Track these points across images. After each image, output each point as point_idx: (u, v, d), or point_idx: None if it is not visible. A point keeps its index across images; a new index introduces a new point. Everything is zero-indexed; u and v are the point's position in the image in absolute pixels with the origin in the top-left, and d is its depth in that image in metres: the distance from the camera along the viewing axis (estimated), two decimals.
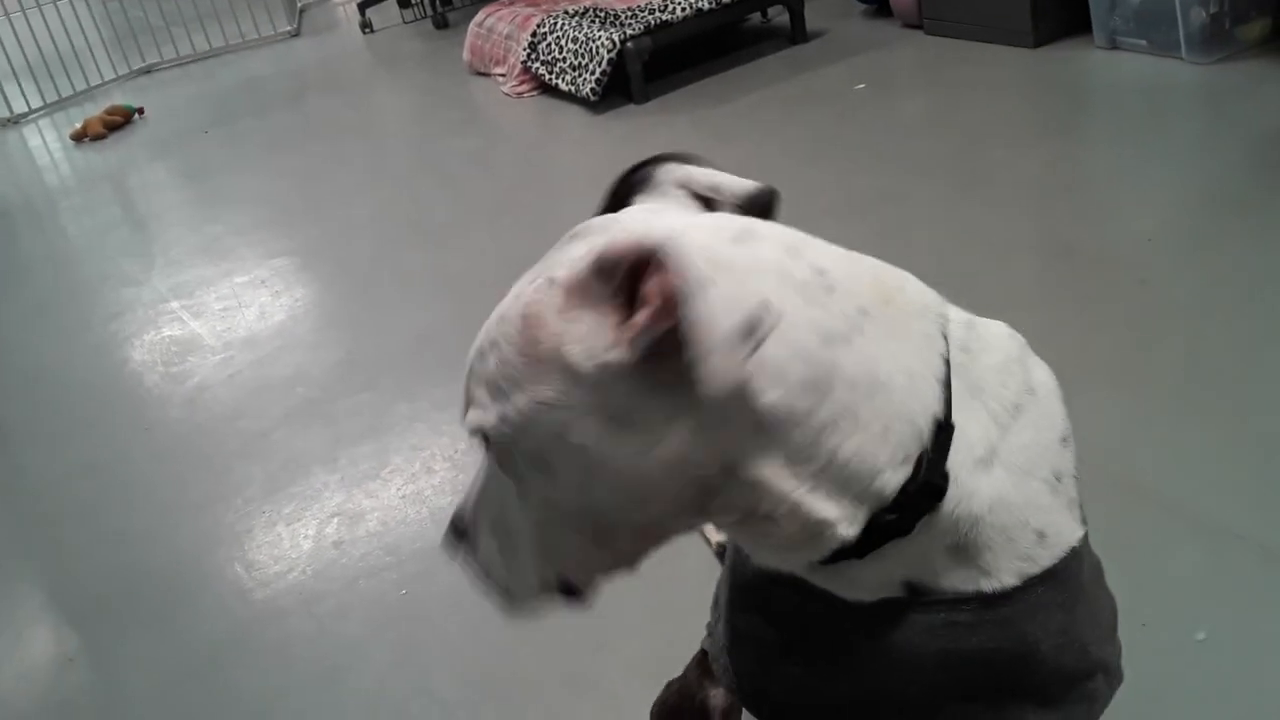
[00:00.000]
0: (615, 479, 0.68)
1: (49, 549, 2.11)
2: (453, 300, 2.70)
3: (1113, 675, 0.83)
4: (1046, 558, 0.76)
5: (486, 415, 0.70)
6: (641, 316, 0.62)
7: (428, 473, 2.04)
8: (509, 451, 0.71)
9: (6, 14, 5.66)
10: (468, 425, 0.72)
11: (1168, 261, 2.17)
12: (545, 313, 0.66)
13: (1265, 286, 2.02)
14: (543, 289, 0.67)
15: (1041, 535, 0.75)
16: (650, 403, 0.64)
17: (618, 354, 0.64)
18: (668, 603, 1.51)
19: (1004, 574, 0.73)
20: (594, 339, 0.65)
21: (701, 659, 1.18)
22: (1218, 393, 1.78)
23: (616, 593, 1.77)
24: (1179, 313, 2.01)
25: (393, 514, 1.95)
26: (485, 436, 0.71)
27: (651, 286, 0.62)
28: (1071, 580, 0.79)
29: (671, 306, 0.60)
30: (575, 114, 3.79)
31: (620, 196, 0.79)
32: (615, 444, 0.66)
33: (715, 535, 1.63)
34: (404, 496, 1.99)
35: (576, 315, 0.65)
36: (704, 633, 1.17)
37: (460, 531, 0.81)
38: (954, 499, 0.69)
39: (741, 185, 0.77)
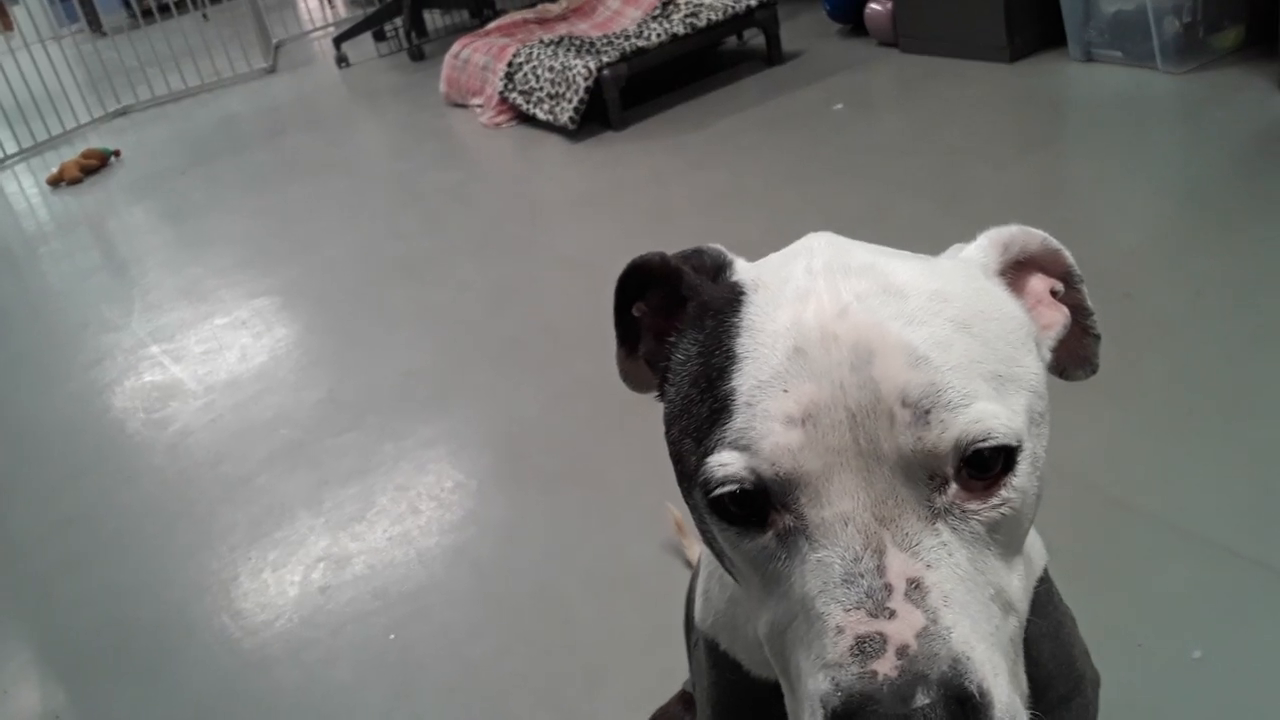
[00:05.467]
0: (1040, 481, 0.61)
1: (34, 603, 2.07)
2: (437, 335, 2.68)
3: (1095, 682, 0.82)
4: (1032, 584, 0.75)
5: (1012, 416, 0.57)
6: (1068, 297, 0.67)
7: (414, 513, 2.01)
8: (994, 484, 0.56)
9: None
10: (999, 436, 0.55)
11: (1150, 273, 2.16)
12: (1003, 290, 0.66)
13: (1249, 294, 2.01)
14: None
15: (1029, 559, 0.73)
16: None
17: (1055, 332, 0.68)
18: (657, 640, 1.49)
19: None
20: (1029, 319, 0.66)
21: (683, 694, 1.17)
22: (1206, 404, 1.77)
23: (607, 631, 1.75)
24: (1164, 324, 2.00)
25: (379, 557, 1.92)
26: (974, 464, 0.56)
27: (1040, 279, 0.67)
28: (1050, 603, 0.79)
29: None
30: (554, 143, 3.79)
31: (628, 294, 0.74)
32: (1041, 438, 0.62)
33: (691, 550, 1.62)
34: (390, 538, 1.96)
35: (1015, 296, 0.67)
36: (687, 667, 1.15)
37: (962, 698, 0.51)
38: None
39: None
